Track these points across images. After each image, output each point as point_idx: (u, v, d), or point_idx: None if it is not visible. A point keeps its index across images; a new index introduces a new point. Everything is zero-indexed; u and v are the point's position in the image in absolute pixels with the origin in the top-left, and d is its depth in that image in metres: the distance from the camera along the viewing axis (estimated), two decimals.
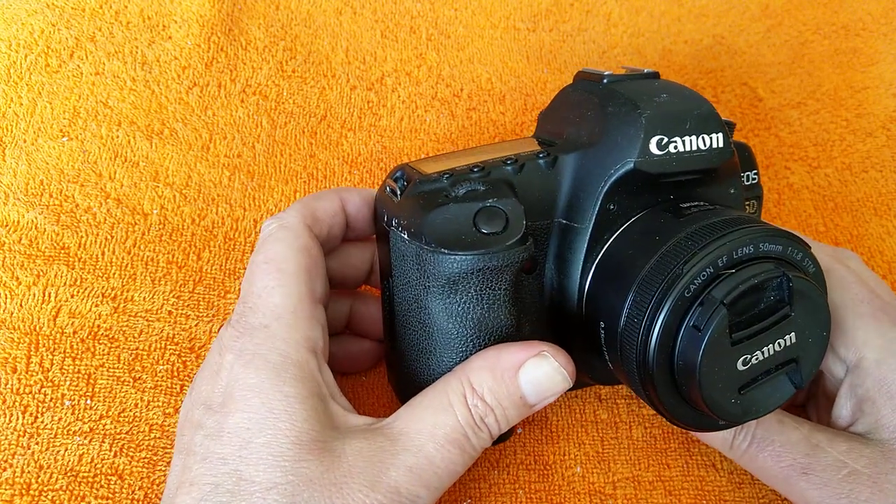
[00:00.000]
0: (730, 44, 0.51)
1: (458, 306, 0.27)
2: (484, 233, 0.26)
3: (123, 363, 0.35)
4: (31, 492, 0.31)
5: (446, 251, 0.26)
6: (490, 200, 0.26)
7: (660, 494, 0.33)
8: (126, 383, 0.34)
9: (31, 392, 0.34)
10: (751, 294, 0.24)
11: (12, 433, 0.32)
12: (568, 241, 0.28)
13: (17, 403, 0.33)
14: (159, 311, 0.37)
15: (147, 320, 0.36)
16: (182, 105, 0.44)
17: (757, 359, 0.25)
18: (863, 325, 0.29)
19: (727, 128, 0.29)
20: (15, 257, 0.37)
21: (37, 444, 0.32)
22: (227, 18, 0.48)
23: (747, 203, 0.33)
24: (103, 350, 0.35)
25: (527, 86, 0.48)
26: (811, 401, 0.34)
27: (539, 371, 0.26)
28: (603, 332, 0.27)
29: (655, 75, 0.31)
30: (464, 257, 0.26)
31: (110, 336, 0.36)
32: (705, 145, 0.28)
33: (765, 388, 0.25)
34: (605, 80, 0.30)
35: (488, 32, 0.50)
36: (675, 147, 0.27)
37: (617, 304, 0.25)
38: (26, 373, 0.34)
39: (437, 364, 0.28)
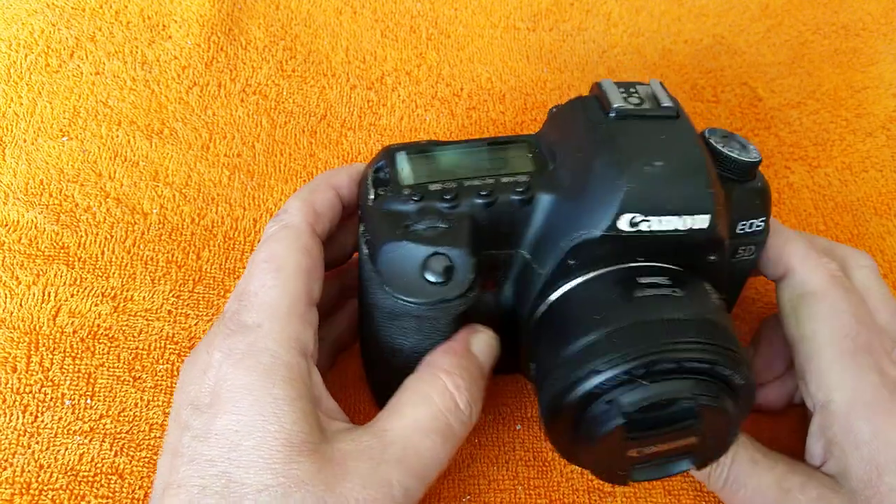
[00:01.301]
0: (730, 43, 0.51)
1: (400, 332, 0.28)
2: (428, 280, 0.26)
3: (123, 362, 0.35)
4: (31, 491, 0.31)
5: (388, 289, 0.27)
6: (443, 248, 0.27)
7: (659, 494, 0.32)
8: (126, 383, 0.34)
9: (31, 391, 0.34)
10: (657, 406, 0.25)
11: (12, 432, 0.32)
12: (526, 276, 0.29)
13: (17, 403, 0.33)
14: (159, 311, 0.37)
15: (147, 319, 0.36)
16: (182, 105, 0.44)
17: (650, 450, 0.26)
18: (839, 364, 0.28)
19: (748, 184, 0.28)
20: (15, 257, 0.37)
21: (37, 443, 0.32)
22: (227, 18, 0.48)
23: (742, 248, 0.30)
24: (103, 349, 0.35)
25: (527, 85, 0.48)
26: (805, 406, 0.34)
27: (481, 340, 0.28)
28: (533, 369, 0.28)
29: (674, 115, 0.28)
30: (403, 301, 0.27)
31: (110, 335, 0.36)
32: (684, 226, 0.26)
33: (659, 464, 0.26)
34: (612, 114, 0.27)
35: (488, 32, 0.50)
36: (649, 226, 0.26)
37: (548, 360, 0.27)
38: (26, 372, 0.34)
39: (398, 366, 0.29)
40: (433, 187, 0.28)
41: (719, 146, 0.29)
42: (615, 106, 0.27)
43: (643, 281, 0.26)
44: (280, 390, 0.25)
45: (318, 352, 0.28)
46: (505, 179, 0.28)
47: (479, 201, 0.27)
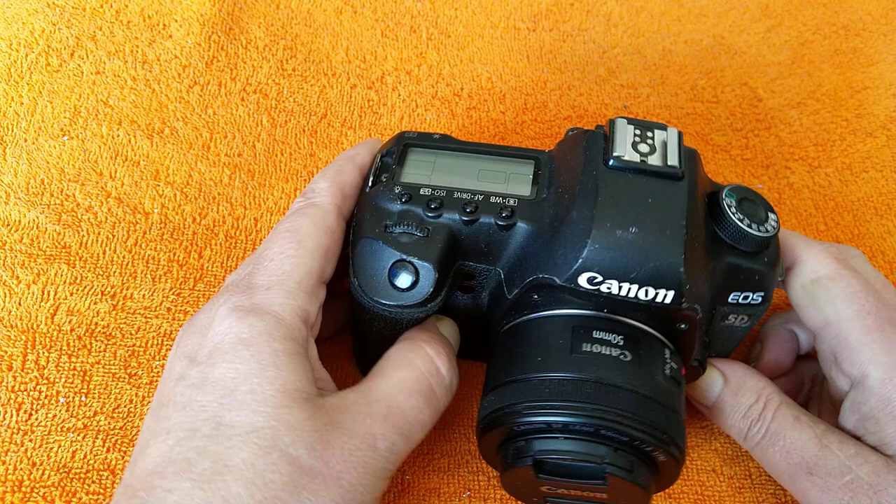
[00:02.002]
0: (730, 44, 0.51)
1: (370, 322, 0.29)
2: (393, 284, 0.28)
3: (120, 360, 0.35)
4: (23, 488, 0.31)
5: (356, 283, 0.28)
6: (412, 257, 0.27)
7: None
8: (121, 379, 0.34)
9: (25, 389, 0.33)
10: (567, 460, 0.25)
11: (6, 430, 0.32)
12: (499, 293, 0.29)
13: (11, 401, 0.33)
14: (158, 308, 0.37)
15: (145, 317, 0.36)
16: (182, 104, 0.44)
17: (562, 492, 0.27)
18: (869, 340, 0.28)
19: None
20: (16, 256, 0.37)
21: (30, 440, 0.32)
22: (228, 17, 0.48)
23: (734, 316, 0.29)
24: (100, 347, 0.35)
25: (527, 85, 0.48)
26: (812, 401, 0.34)
27: (447, 326, 0.30)
28: (489, 373, 0.29)
29: (676, 175, 0.26)
30: (368, 298, 0.28)
31: (107, 333, 0.35)
32: (647, 297, 0.25)
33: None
34: (610, 162, 0.26)
35: (488, 32, 0.51)
36: (609, 289, 0.25)
37: (492, 378, 0.28)
38: (21, 370, 0.34)
39: (373, 345, 0.30)
40: (423, 191, 0.29)
41: (731, 211, 0.27)
42: (615, 154, 0.26)
43: (596, 335, 0.26)
44: (280, 344, 0.25)
45: (318, 329, 0.29)
46: (494, 199, 0.28)
47: (461, 217, 0.28)
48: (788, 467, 0.28)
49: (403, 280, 0.28)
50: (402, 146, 0.31)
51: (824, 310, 0.30)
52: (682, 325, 0.27)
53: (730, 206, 0.27)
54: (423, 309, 0.28)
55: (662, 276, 0.25)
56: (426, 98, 0.47)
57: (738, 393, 0.30)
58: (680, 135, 0.27)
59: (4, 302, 0.36)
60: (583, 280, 0.25)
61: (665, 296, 0.25)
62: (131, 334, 0.36)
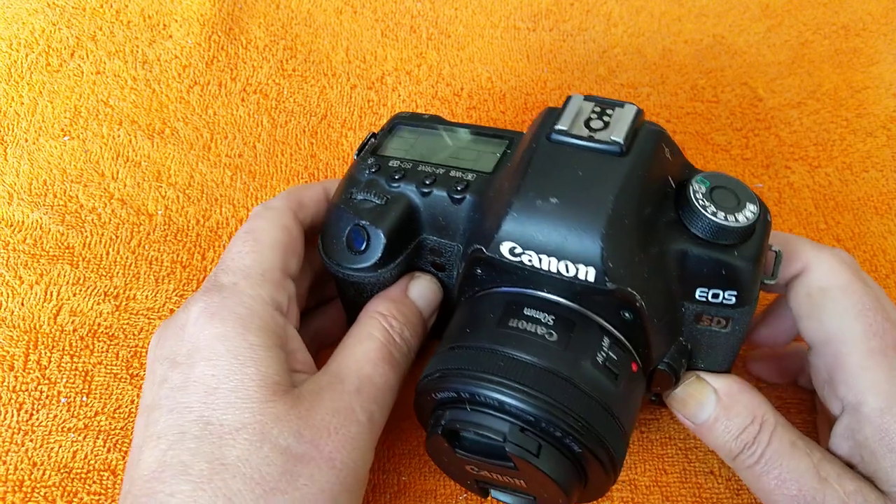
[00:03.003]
0: (730, 43, 0.51)
1: (344, 290, 0.31)
2: (350, 248, 0.29)
3: (122, 360, 0.35)
4: (24, 488, 0.31)
5: (320, 246, 0.30)
6: (365, 222, 0.28)
7: (657, 499, 0.32)
8: (123, 380, 0.34)
9: (27, 389, 0.33)
10: (476, 434, 0.25)
11: (6, 430, 0.32)
12: (457, 269, 0.29)
13: (12, 401, 0.33)
14: (161, 310, 0.37)
15: (148, 318, 0.36)
16: (183, 104, 0.44)
17: (485, 474, 0.26)
18: (871, 364, 0.26)
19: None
20: (19, 257, 0.37)
21: (31, 441, 0.32)
22: (228, 17, 0.48)
23: (707, 318, 0.27)
24: (102, 347, 0.35)
25: (527, 85, 0.48)
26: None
27: (419, 286, 0.30)
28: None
29: (618, 151, 0.25)
30: (327, 260, 0.29)
31: (110, 334, 0.36)
32: (568, 273, 0.24)
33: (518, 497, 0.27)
34: (550, 136, 0.26)
35: (488, 32, 0.51)
36: (530, 260, 0.25)
37: (437, 348, 0.28)
38: (23, 370, 0.34)
39: (357, 311, 0.31)
40: (392, 164, 0.30)
41: (696, 197, 0.25)
42: (556, 128, 0.26)
43: (527, 312, 0.26)
44: (255, 337, 0.26)
45: (297, 317, 0.30)
46: (454, 173, 0.29)
47: (418, 188, 0.29)
48: (783, 498, 0.26)
49: (357, 244, 0.29)
50: (391, 124, 0.32)
51: (828, 324, 0.28)
52: (627, 314, 0.25)
53: (696, 192, 0.26)
54: (374, 274, 0.29)
55: (579, 251, 0.24)
56: (426, 98, 0.47)
57: (730, 411, 0.27)
58: (638, 112, 0.26)
59: (7, 302, 0.36)
60: (505, 250, 0.25)
61: (587, 272, 0.24)
62: (134, 335, 0.36)
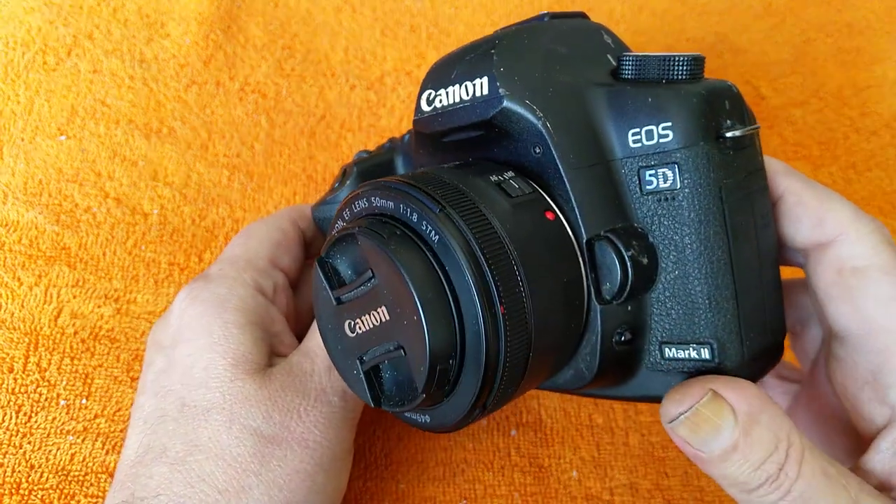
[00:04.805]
0: (733, 42, 0.51)
1: None
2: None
3: (122, 363, 0.35)
4: (21, 491, 0.31)
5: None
6: (349, 162, 0.31)
7: (658, 503, 0.32)
8: (123, 383, 0.34)
9: (26, 392, 0.33)
10: (346, 252, 0.22)
11: (4, 433, 0.32)
12: None
13: (10, 403, 0.33)
14: (162, 313, 0.37)
15: (149, 322, 0.36)
16: (180, 103, 0.44)
17: (360, 328, 0.22)
18: None
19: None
20: (16, 257, 0.37)
21: (29, 443, 0.32)
22: (226, 16, 0.48)
23: (650, 173, 0.23)
24: (103, 350, 0.35)
25: None
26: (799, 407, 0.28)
27: None
28: None
29: (540, 17, 0.26)
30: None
31: (111, 337, 0.35)
32: (468, 94, 0.24)
33: (395, 377, 0.22)
34: (496, 34, 0.25)
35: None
36: (441, 101, 0.25)
37: None
38: (23, 372, 0.34)
39: None
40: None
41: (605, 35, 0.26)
42: (521, 23, 0.26)
43: (457, 164, 0.25)
44: (231, 315, 0.27)
45: (287, 306, 0.30)
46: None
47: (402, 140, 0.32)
48: None
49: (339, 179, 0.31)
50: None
51: (871, 311, 0.22)
52: (536, 149, 0.23)
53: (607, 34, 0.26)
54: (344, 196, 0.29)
55: (475, 65, 0.24)
56: None
57: (750, 436, 0.21)
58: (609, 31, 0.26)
59: (7, 304, 0.36)
60: (423, 102, 0.26)
61: (480, 86, 0.24)
62: (135, 339, 0.36)
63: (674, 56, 0.23)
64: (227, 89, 0.45)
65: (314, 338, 0.28)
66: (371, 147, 0.44)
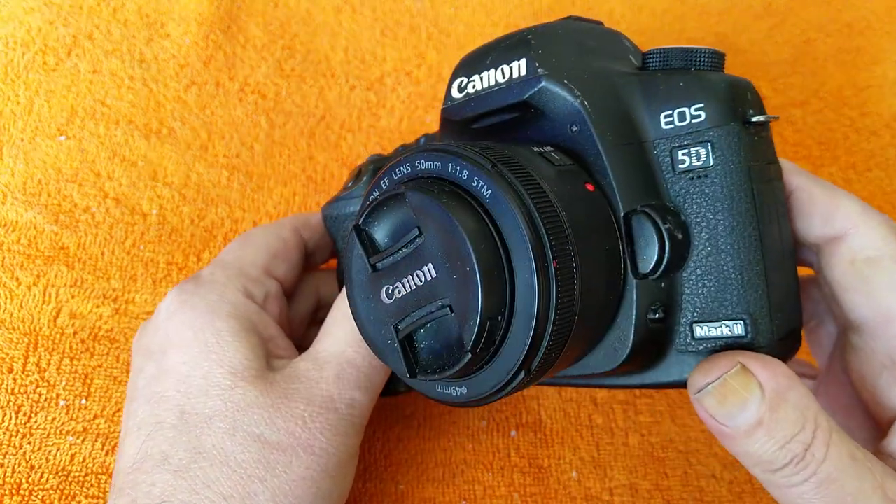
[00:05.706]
0: (733, 42, 0.51)
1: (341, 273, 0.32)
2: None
3: (122, 364, 0.35)
4: (22, 491, 0.31)
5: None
6: (364, 162, 0.31)
7: (658, 503, 0.32)
8: (123, 383, 0.34)
9: (25, 392, 0.33)
10: (384, 218, 0.22)
11: (4, 433, 0.32)
12: None
13: (10, 403, 0.33)
14: None
15: None
16: (180, 104, 0.44)
17: (399, 291, 0.22)
18: None
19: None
20: (14, 257, 0.37)
21: (29, 443, 0.32)
22: (226, 16, 0.48)
23: (683, 152, 0.23)
24: (103, 351, 0.35)
25: None
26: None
27: None
28: None
29: (566, 19, 0.26)
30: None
31: (111, 337, 0.35)
32: (504, 77, 0.25)
33: (432, 346, 0.22)
34: (529, 27, 0.25)
35: (489, 31, 0.50)
36: (474, 86, 0.25)
37: None
38: (22, 373, 0.34)
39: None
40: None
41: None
42: (565, 18, 0.27)
43: (477, 126, 0.26)
44: (223, 323, 0.26)
45: (280, 314, 0.30)
46: None
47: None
48: None
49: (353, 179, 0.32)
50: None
51: (887, 300, 0.23)
52: (574, 127, 0.24)
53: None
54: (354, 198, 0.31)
55: (512, 49, 0.25)
56: (426, 99, 0.46)
57: (776, 413, 0.21)
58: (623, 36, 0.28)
59: (6, 304, 0.36)
60: (455, 90, 0.26)
61: (518, 68, 0.24)
62: None
63: (698, 48, 0.24)
64: (227, 90, 0.45)
65: (323, 344, 0.27)
66: (371, 148, 0.44)
